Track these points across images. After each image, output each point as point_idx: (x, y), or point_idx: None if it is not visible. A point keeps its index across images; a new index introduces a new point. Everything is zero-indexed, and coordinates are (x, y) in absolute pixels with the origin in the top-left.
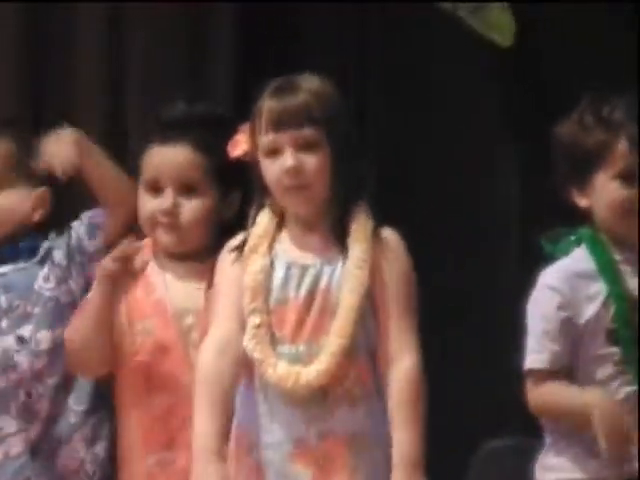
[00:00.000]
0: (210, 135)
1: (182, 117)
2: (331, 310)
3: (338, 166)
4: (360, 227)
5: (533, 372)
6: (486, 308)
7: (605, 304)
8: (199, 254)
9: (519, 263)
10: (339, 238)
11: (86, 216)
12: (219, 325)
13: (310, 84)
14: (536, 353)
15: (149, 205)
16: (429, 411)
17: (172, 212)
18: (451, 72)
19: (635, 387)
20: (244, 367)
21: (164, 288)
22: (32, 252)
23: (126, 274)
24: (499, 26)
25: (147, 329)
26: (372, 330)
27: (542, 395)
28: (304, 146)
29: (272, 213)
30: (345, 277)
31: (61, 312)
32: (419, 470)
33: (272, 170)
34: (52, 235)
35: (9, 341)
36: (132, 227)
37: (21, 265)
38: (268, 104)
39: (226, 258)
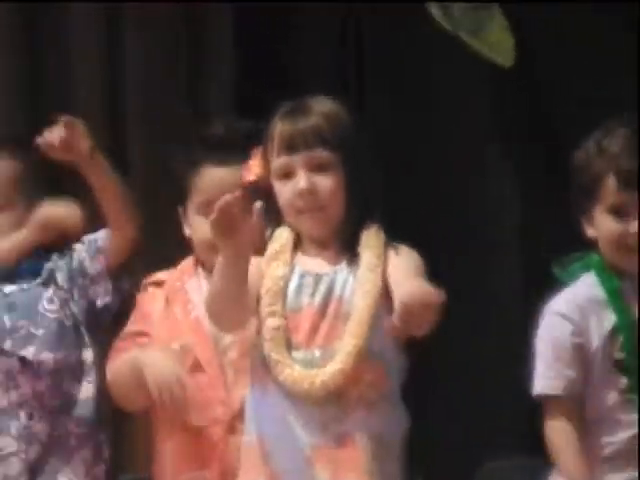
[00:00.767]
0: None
1: (230, 136)
2: (344, 316)
3: (352, 187)
4: (371, 234)
5: (548, 398)
6: (479, 310)
7: (613, 333)
8: None
9: (512, 265)
10: (351, 249)
11: (88, 239)
12: None
13: (321, 107)
14: (549, 379)
15: (204, 228)
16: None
17: None
18: (445, 74)
19: None
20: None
21: (203, 308)
22: (34, 273)
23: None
24: (499, 47)
25: (184, 347)
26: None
27: (551, 429)
28: (317, 168)
29: (290, 229)
30: (358, 281)
31: (64, 335)
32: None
33: (285, 193)
34: (54, 257)
35: (12, 362)
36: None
37: (24, 286)
38: (280, 127)
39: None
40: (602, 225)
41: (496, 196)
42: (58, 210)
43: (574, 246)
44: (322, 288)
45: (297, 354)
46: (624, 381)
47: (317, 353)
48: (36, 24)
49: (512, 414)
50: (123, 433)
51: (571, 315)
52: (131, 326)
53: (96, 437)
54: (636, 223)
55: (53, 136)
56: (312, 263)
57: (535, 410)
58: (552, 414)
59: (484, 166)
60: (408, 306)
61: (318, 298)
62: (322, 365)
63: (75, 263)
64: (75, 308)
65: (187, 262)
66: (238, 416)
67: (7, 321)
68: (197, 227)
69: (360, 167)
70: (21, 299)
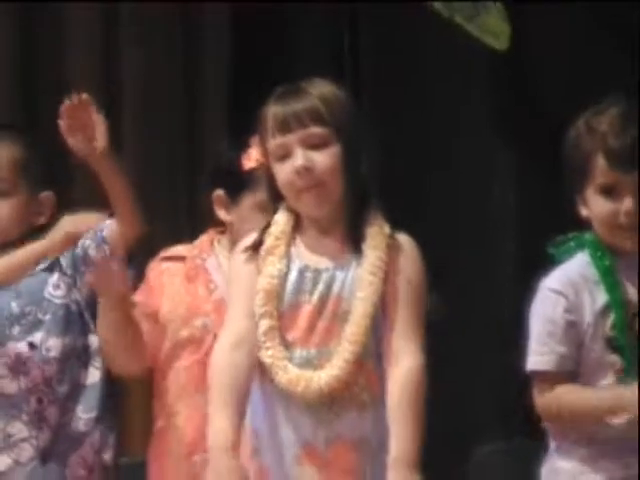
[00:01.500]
0: None
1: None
2: (343, 316)
3: (350, 163)
4: (376, 232)
5: (539, 374)
6: (483, 310)
7: (605, 310)
8: None
9: (515, 267)
10: (354, 242)
11: (94, 228)
12: (233, 322)
13: (315, 87)
14: (540, 355)
15: None
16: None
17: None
18: (447, 76)
19: None
20: (257, 365)
21: (225, 287)
22: None
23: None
24: (495, 31)
25: (207, 326)
26: (382, 336)
27: (552, 399)
28: (313, 145)
29: (289, 214)
30: (358, 284)
31: (71, 320)
32: (414, 469)
33: (284, 173)
34: None
35: (21, 347)
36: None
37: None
38: (273, 109)
39: (239, 257)
40: (594, 205)
41: (500, 200)
42: (80, 225)
43: (570, 226)
44: (321, 286)
45: (293, 352)
46: (619, 361)
47: (313, 352)
48: (34, 17)
49: (506, 398)
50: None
51: (564, 292)
52: (136, 296)
53: (104, 422)
54: (628, 201)
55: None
56: (312, 254)
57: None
58: (542, 390)
59: (489, 171)
60: None
61: (316, 296)
62: (318, 365)
63: (79, 250)
64: (78, 295)
65: (203, 239)
66: None
67: (15, 307)
68: None
69: (357, 144)
70: (28, 285)
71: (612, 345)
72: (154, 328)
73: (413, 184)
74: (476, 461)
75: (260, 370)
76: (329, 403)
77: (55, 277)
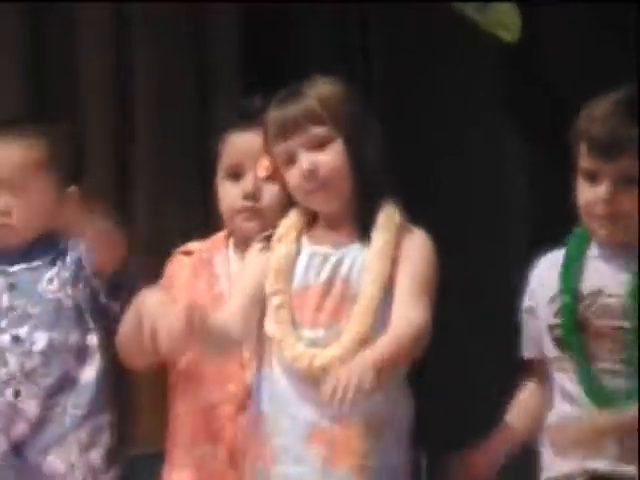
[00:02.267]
0: None
1: (261, 105)
2: (350, 297)
3: (354, 158)
4: (386, 218)
5: (525, 363)
6: (495, 295)
7: (554, 298)
8: None
9: (527, 253)
10: (364, 229)
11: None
12: (233, 300)
13: (314, 88)
14: (523, 342)
15: (231, 193)
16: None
17: (254, 195)
18: (457, 67)
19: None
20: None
21: (227, 282)
22: (46, 253)
23: None
24: (506, 23)
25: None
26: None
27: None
28: (316, 146)
29: (302, 210)
30: (366, 267)
31: (62, 315)
32: (372, 366)
33: (292, 178)
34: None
35: (4, 340)
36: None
37: (34, 264)
38: (272, 115)
39: (254, 247)
40: (578, 191)
41: (504, 164)
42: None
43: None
44: (328, 267)
45: (302, 333)
46: (564, 358)
47: (322, 333)
48: (44, 17)
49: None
50: (136, 407)
51: (530, 278)
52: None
53: (94, 420)
54: (602, 189)
55: None
56: (323, 244)
57: None
58: (525, 378)
59: (493, 135)
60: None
61: (323, 277)
62: (326, 345)
63: (84, 252)
64: (77, 292)
65: (219, 235)
66: (250, 394)
67: (6, 301)
68: (223, 193)
69: (361, 137)
70: (22, 279)
71: (556, 336)
72: None
73: (425, 171)
74: None
75: (270, 350)
76: None
77: (53, 271)
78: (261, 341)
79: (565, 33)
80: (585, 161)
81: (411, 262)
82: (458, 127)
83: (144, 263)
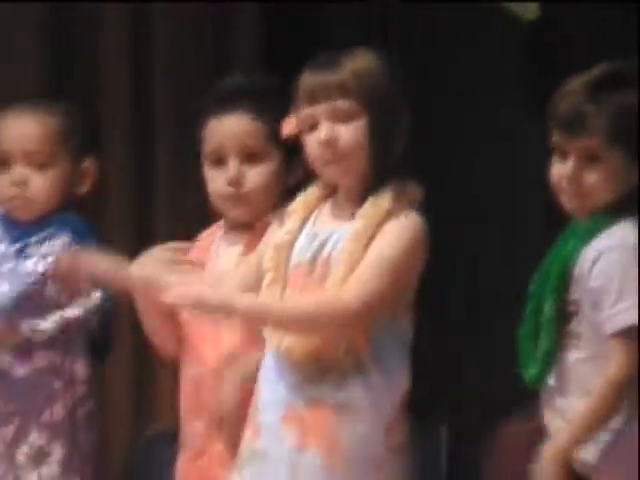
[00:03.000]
0: (268, 102)
1: (238, 87)
2: (327, 278)
3: (376, 138)
4: (373, 202)
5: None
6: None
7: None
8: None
9: (544, 237)
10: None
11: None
12: (244, 266)
13: (349, 60)
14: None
15: (216, 179)
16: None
17: (237, 181)
18: (474, 51)
19: None
20: None
21: (213, 266)
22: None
23: None
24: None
25: None
26: None
27: None
28: (340, 118)
29: (322, 183)
30: (342, 248)
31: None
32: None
33: (311, 144)
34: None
35: None
36: None
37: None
38: (304, 79)
39: (273, 222)
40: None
41: (522, 156)
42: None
43: None
44: (315, 245)
45: None
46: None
47: None
48: (63, 25)
49: None
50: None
51: None
52: None
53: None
54: (565, 165)
55: None
56: (330, 221)
57: None
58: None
59: (516, 147)
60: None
61: (308, 255)
62: None
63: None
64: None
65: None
66: (225, 362)
67: None
68: (209, 180)
69: (388, 119)
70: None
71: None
72: None
73: (445, 155)
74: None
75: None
76: (314, 363)
77: (29, 250)
78: None
79: (585, 17)
80: (555, 137)
81: (379, 242)
82: (477, 112)
83: None
